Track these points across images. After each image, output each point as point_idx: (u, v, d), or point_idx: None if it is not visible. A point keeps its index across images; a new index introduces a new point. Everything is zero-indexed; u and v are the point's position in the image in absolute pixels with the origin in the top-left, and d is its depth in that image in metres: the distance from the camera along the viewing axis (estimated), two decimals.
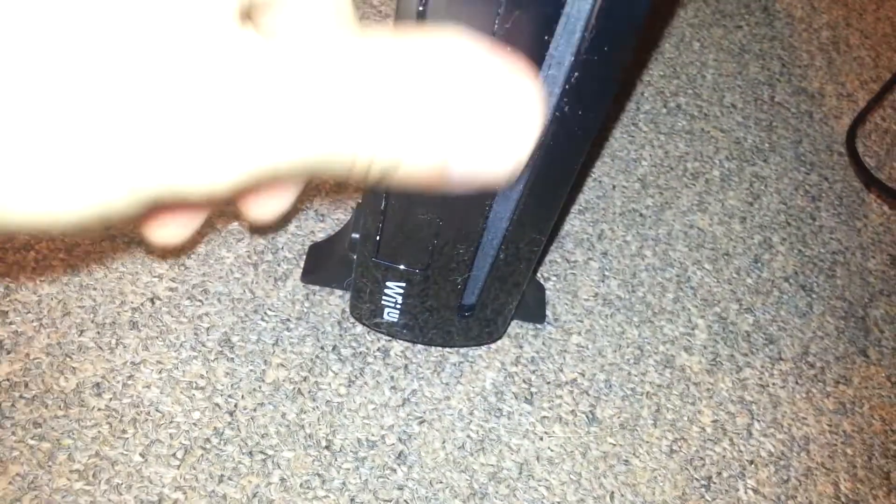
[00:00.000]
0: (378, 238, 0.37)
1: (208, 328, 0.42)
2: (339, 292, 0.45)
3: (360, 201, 0.46)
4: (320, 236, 0.47)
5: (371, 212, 0.36)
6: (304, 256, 0.46)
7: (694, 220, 0.53)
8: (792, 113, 0.63)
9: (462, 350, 0.44)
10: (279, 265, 0.45)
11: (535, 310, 0.46)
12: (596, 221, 0.52)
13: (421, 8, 0.26)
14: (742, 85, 0.64)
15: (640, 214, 0.53)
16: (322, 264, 0.45)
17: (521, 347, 0.44)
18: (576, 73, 0.28)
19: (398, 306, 0.41)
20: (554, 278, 0.48)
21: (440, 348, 0.43)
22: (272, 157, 0.14)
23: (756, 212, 0.55)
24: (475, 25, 0.27)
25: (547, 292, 0.47)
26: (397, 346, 0.43)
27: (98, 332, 0.40)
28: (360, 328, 0.43)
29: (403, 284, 0.39)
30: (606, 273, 0.49)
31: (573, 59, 0.28)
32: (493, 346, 0.44)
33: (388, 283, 0.39)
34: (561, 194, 0.34)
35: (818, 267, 0.53)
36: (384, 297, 0.40)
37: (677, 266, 0.50)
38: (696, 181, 0.56)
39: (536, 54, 0.28)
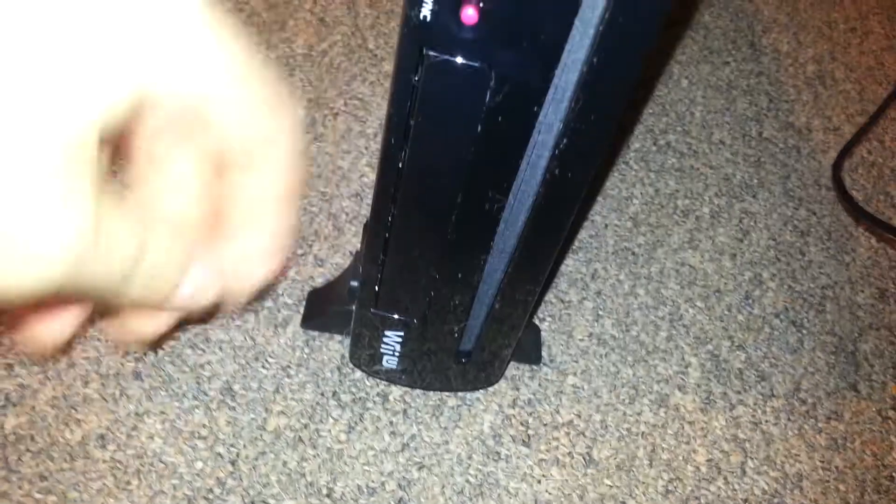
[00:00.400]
0: (377, 289, 0.38)
1: (210, 377, 0.42)
2: (338, 337, 0.46)
3: (358, 249, 0.47)
4: (319, 281, 0.48)
5: (369, 263, 0.37)
6: (304, 302, 0.47)
7: (685, 257, 0.55)
8: (780, 148, 0.64)
9: (460, 393, 0.44)
10: (279, 311, 0.46)
11: (530, 351, 0.47)
12: (589, 261, 0.53)
13: (415, 82, 0.28)
14: (730, 121, 0.65)
15: (633, 253, 0.54)
16: (321, 310, 0.46)
17: (517, 389, 0.45)
18: (564, 140, 0.29)
19: (396, 354, 0.41)
20: (549, 319, 0.49)
21: (438, 392, 0.44)
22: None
23: (746, 248, 0.56)
24: (467, 98, 0.28)
25: (542, 333, 0.48)
26: (396, 390, 0.44)
27: (102, 384, 0.41)
28: (359, 373, 0.44)
29: (401, 333, 0.40)
30: (600, 312, 0.50)
31: (562, 125, 0.29)
32: (490, 388, 0.45)
33: (386, 332, 0.40)
34: (552, 249, 0.35)
35: (808, 302, 0.54)
36: (383, 345, 0.41)
37: (670, 304, 0.51)
38: (687, 218, 0.57)
39: (526, 123, 0.29)
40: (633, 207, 0.57)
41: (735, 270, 0.55)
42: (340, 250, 0.50)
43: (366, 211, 0.52)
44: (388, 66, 0.62)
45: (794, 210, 0.60)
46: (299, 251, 0.49)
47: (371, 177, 0.54)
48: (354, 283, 0.44)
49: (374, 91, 0.59)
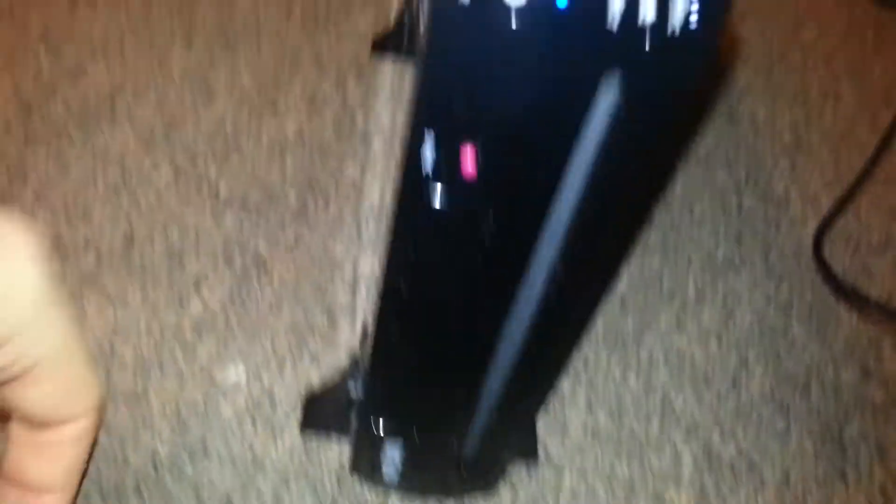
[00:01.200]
0: (375, 409, 0.39)
1: (209, 492, 0.42)
2: (337, 443, 0.46)
3: (355, 350, 0.47)
4: (316, 381, 0.48)
5: (370, 381, 0.38)
6: (302, 405, 0.47)
7: (673, 340, 0.56)
8: (760, 220, 0.66)
9: (460, 499, 0.45)
10: (277, 416, 0.46)
11: (527, 448, 0.48)
12: (580, 347, 0.54)
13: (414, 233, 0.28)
14: (710, 194, 0.67)
15: (622, 338, 0.55)
16: (320, 414, 0.46)
17: (516, 492, 0.46)
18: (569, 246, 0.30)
19: (397, 465, 0.42)
20: (542, 411, 0.50)
21: (439, 500, 0.45)
22: None
23: (731, 329, 0.57)
24: (464, 246, 0.29)
25: (537, 426, 0.49)
26: (396, 500, 0.44)
27: (102, 499, 0.41)
28: (358, 481, 0.44)
29: (402, 447, 0.41)
30: (593, 403, 0.51)
31: (565, 232, 0.30)
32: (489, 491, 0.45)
33: (386, 446, 0.41)
34: (557, 370, 0.36)
35: (793, 383, 0.55)
36: (383, 458, 0.42)
37: (660, 392, 0.52)
38: (673, 299, 0.58)
39: (532, 228, 0.29)
40: (621, 287, 0.58)
41: (721, 354, 0.56)
42: (336, 346, 0.50)
43: (361, 301, 0.52)
44: (378, 145, 0.63)
45: (776, 287, 0.61)
46: (294, 348, 0.49)
47: (365, 266, 0.54)
48: (353, 395, 0.44)
49: (365, 173, 0.60)
